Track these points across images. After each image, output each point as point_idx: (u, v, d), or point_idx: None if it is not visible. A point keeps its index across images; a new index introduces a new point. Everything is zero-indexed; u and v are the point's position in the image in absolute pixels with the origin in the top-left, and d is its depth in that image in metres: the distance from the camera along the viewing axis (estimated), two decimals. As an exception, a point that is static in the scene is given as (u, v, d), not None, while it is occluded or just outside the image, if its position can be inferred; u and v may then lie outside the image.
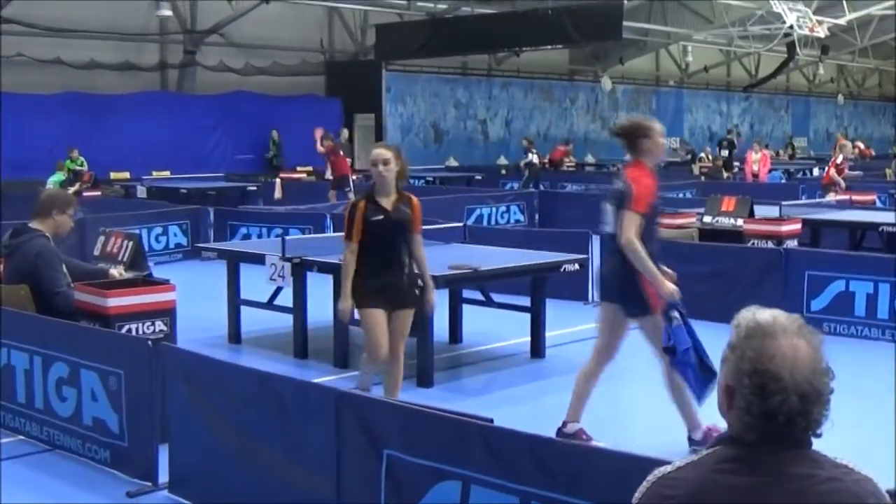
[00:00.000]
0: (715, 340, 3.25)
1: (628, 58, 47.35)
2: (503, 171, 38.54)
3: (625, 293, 9.40)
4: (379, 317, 9.41)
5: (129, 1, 31.81)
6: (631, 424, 10.87)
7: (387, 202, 9.46)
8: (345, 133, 32.37)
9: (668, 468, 3.33)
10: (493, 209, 25.83)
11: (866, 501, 3.20)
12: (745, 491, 3.16)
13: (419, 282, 9.88)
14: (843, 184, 26.71)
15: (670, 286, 9.13)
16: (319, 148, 27.92)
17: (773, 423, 3.16)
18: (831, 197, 23.86)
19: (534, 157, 34.80)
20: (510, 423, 6.14)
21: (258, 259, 13.61)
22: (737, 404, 3.23)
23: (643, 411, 11.14)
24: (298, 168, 33.39)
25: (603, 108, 49.19)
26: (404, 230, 9.58)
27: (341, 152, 28.29)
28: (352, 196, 25.30)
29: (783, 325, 3.25)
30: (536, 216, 26.69)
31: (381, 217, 9.38)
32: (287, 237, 14.96)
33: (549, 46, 40.09)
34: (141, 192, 28.64)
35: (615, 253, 9.32)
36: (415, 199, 9.85)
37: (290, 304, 13.37)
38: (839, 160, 27.09)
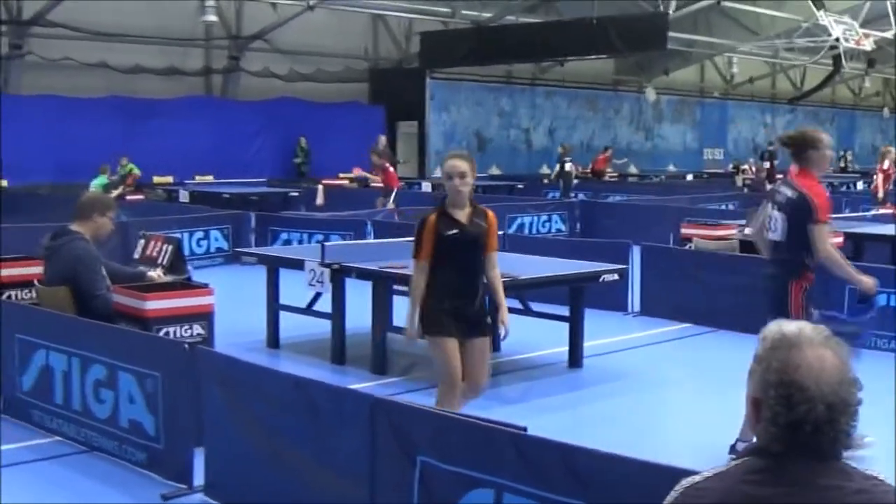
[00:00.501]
0: (749, 354, 3.23)
1: (673, 68, 47.23)
2: (546, 181, 38.47)
3: (777, 300, 9.42)
4: (452, 346, 8.70)
5: (175, 4, 31.90)
6: (669, 434, 10.82)
7: (461, 215, 8.67)
8: (382, 140, 32.40)
9: (696, 478, 3.31)
10: (535, 218, 25.81)
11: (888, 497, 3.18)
12: (772, 502, 3.14)
13: (490, 304, 9.17)
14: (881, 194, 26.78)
15: (870, 281, 9.59)
16: (374, 177, 27.63)
17: (799, 434, 3.13)
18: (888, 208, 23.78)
19: (567, 166, 34.76)
20: (545, 432, 6.12)
21: (298, 265, 13.65)
22: (763, 416, 3.20)
23: (681, 421, 11.10)
24: (341, 175, 33.41)
25: (647, 118, 49.10)
26: (479, 247, 8.82)
27: (388, 166, 28.21)
28: (390, 205, 25.35)
29: (809, 336, 3.23)
30: (578, 225, 26.64)
31: (455, 232, 8.59)
32: (327, 243, 14.98)
33: (594, 56, 40.09)
34: (183, 196, 28.73)
35: (779, 261, 9.54)
36: (490, 212, 8.94)
37: (328, 309, 13.37)
38: (885, 165, 27.03)
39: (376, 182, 27.13)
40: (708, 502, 3.22)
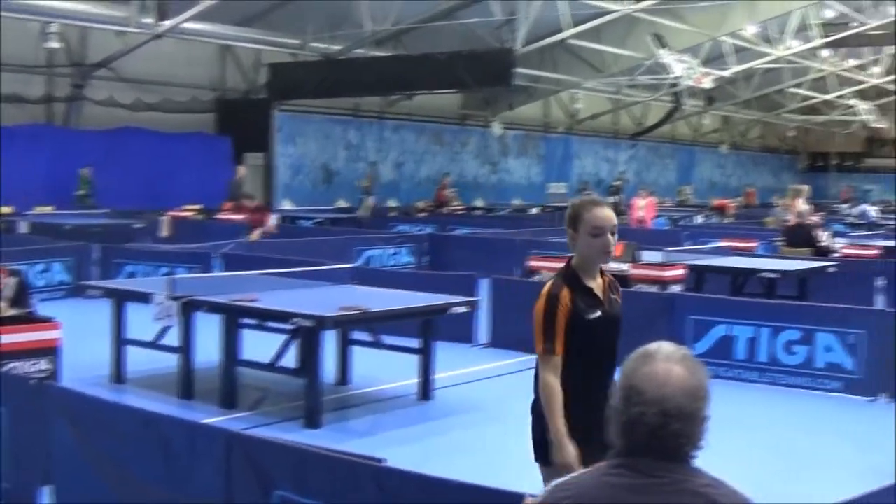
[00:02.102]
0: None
1: (518, 104, 47.56)
2: (393, 214, 38.52)
3: None
4: None
5: (17, 30, 31.10)
6: (520, 464, 10.86)
7: (598, 288, 6.21)
8: (241, 170, 32.26)
9: (566, 478, 3.63)
10: (383, 251, 25.81)
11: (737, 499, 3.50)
12: (626, 491, 3.41)
13: None
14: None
15: None
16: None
17: (634, 433, 3.42)
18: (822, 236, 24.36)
19: (370, 200, 35.06)
20: (400, 464, 6.14)
21: (144, 298, 13.39)
22: (609, 414, 3.53)
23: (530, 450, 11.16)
24: (186, 206, 33.01)
25: (493, 152, 49.38)
26: (618, 334, 6.30)
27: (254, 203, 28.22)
28: (263, 230, 25.24)
29: (666, 352, 3.55)
30: (426, 258, 26.67)
31: (598, 315, 6.09)
32: (175, 276, 14.81)
33: (442, 91, 40.30)
34: (23, 227, 28.07)
35: None
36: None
37: (176, 343, 13.16)
38: (798, 203, 27.89)
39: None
40: (573, 492, 3.49)
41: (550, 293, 6.09)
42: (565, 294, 6.04)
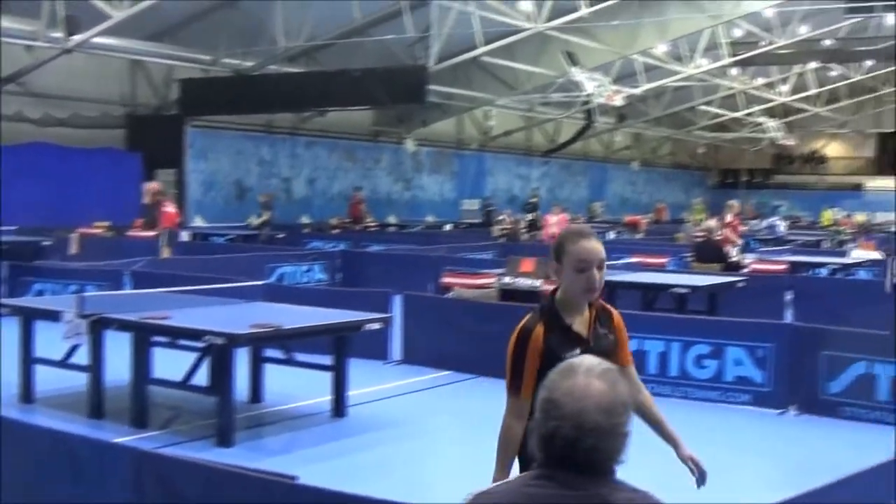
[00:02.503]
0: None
1: (432, 120, 47.69)
2: (306, 230, 38.46)
3: None
4: None
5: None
6: (435, 480, 10.87)
7: (580, 324, 5.70)
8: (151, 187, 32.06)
9: (488, 487, 3.68)
10: (296, 268, 25.72)
11: None
12: (546, 503, 3.41)
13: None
14: (739, 241, 28.27)
15: None
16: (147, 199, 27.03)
17: (552, 446, 3.43)
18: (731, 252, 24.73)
19: (266, 216, 35.01)
20: (314, 481, 6.13)
21: (53, 316, 13.23)
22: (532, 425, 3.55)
23: (445, 466, 11.17)
24: (96, 223, 32.68)
25: (406, 169, 49.46)
26: None
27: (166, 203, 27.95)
28: (165, 253, 24.97)
29: (588, 366, 3.56)
30: (339, 275, 26.63)
31: (576, 353, 5.15)
32: (84, 294, 14.70)
33: (355, 108, 40.34)
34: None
35: None
36: (615, 312, 6.02)
37: (86, 362, 13.00)
38: (729, 218, 28.32)
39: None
40: (494, 502, 3.52)
41: (524, 328, 5.64)
42: (539, 331, 5.59)
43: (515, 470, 5.09)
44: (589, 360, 3.62)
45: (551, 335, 5.54)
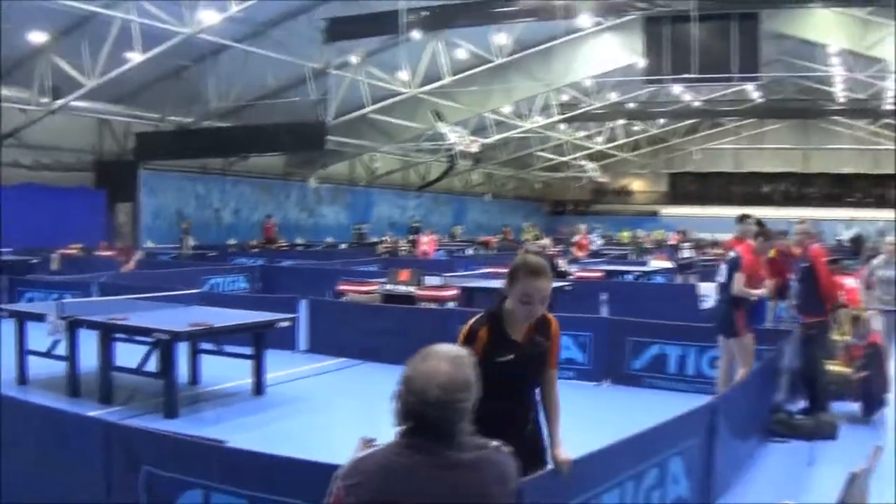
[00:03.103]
0: (393, 380, 3.48)
1: (330, 163, 47.57)
2: (232, 250, 38.14)
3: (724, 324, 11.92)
4: None
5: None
6: (337, 443, 10.92)
7: (519, 332, 5.39)
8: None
9: (363, 453, 3.58)
10: (224, 278, 25.54)
11: (494, 462, 3.59)
12: (415, 466, 3.42)
13: (543, 438, 5.62)
14: (582, 255, 28.85)
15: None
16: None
17: (408, 419, 3.45)
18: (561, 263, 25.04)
19: (189, 240, 34.92)
20: (238, 444, 6.20)
21: (40, 318, 13.21)
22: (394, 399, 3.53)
23: (345, 433, 11.22)
24: (71, 245, 32.15)
25: (310, 201, 49.22)
26: (538, 370, 5.56)
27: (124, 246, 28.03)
28: (130, 265, 24.80)
29: (439, 351, 3.55)
30: (258, 284, 26.50)
31: (509, 358, 5.30)
32: (63, 300, 14.60)
33: (270, 153, 40.17)
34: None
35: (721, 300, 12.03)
36: (554, 321, 5.59)
37: (65, 353, 12.95)
38: (576, 238, 28.72)
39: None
40: (370, 466, 3.46)
41: (472, 327, 5.37)
42: (483, 334, 5.32)
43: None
44: (444, 347, 3.59)
45: (492, 339, 5.30)
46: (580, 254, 32.60)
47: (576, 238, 34.72)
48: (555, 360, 5.59)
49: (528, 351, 5.37)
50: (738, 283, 11.69)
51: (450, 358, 3.53)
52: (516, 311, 5.31)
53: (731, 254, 12.15)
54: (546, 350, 5.49)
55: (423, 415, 3.42)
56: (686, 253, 29.57)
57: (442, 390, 3.42)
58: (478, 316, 5.46)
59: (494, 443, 3.66)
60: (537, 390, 5.63)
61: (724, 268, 12.08)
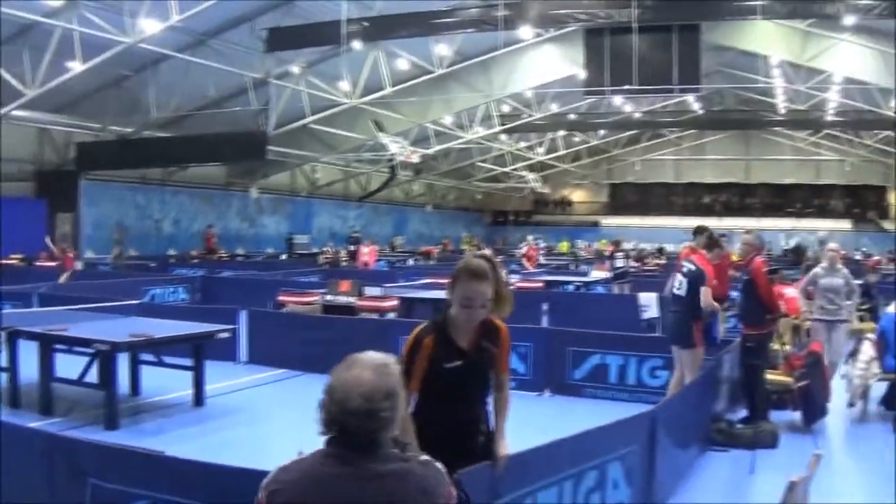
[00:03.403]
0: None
1: (271, 173, 47.41)
2: (172, 260, 37.90)
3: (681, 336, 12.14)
4: None
5: None
6: (276, 452, 10.89)
7: (466, 339, 5.37)
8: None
9: (288, 462, 3.55)
10: (165, 289, 25.39)
11: (416, 474, 3.49)
12: (335, 477, 3.39)
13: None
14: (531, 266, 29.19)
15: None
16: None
17: (333, 428, 3.42)
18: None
19: (119, 249, 34.78)
20: (178, 454, 6.21)
21: (-22, 330, 13.06)
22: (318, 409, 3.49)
23: (284, 442, 11.19)
24: (11, 255, 31.82)
25: (251, 211, 49.05)
26: (486, 375, 5.55)
27: (68, 251, 27.76)
28: (64, 279, 24.59)
29: (364, 360, 3.50)
30: (198, 295, 26.36)
31: (457, 364, 5.30)
32: (2, 311, 14.48)
33: (211, 164, 39.98)
34: None
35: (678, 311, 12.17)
36: (503, 327, 5.59)
37: (4, 365, 12.88)
38: (524, 250, 28.84)
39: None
40: (294, 476, 3.45)
41: (417, 337, 5.32)
42: (428, 341, 5.28)
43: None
44: (369, 355, 3.52)
45: (438, 347, 5.27)
46: (529, 265, 32.85)
47: (524, 249, 34.93)
48: (505, 365, 5.59)
49: (476, 357, 5.37)
50: (706, 297, 11.89)
51: (374, 366, 3.48)
52: (458, 317, 5.30)
53: (692, 267, 12.22)
54: (494, 356, 5.48)
55: (345, 424, 3.39)
56: (620, 263, 29.81)
57: (364, 399, 3.38)
58: (423, 325, 5.44)
59: (423, 456, 3.63)
60: (490, 401, 5.63)
61: (683, 280, 12.18)
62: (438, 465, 3.65)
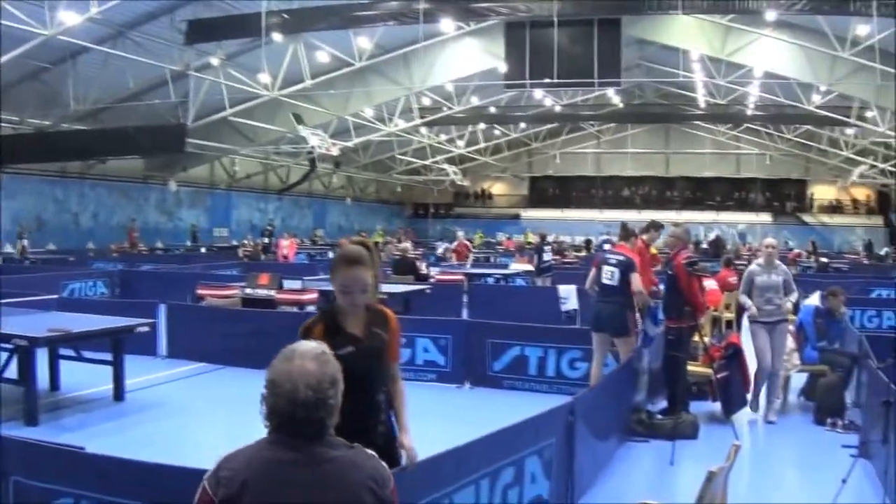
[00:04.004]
0: (253, 384, 3.58)
1: (190, 166, 47.08)
2: (91, 254, 37.45)
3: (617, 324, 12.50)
4: None
5: None
6: (200, 447, 10.89)
7: (356, 326, 5.41)
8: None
9: (232, 451, 3.60)
10: (84, 283, 25.06)
11: (366, 463, 3.63)
12: (284, 461, 3.47)
13: (397, 441, 5.60)
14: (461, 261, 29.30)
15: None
16: None
17: (276, 416, 3.50)
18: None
19: (23, 242, 34.49)
20: (98, 450, 6.19)
21: None
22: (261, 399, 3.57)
23: (208, 437, 11.20)
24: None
25: (170, 204, 48.65)
26: (382, 363, 5.52)
27: None
28: None
29: (303, 351, 3.58)
30: (118, 289, 26.09)
31: (349, 350, 5.17)
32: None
33: (129, 156, 39.56)
34: None
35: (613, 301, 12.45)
36: (391, 314, 5.67)
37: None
38: (455, 245, 28.79)
39: None
40: (239, 464, 3.50)
41: (306, 327, 5.36)
42: (318, 329, 5.29)
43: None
44: (306, 346, 3.61)
45: (329, 335, 5.17)
46: (460, 261, 32.97)
47: (454, 244, 34.93)
48: (395, 353, 5.62)
49: (368, 344, 5.38)
50: (637, 283, 12.32)
51: (314, 356, 3.58)
52: (341, 303, 5.36)
53: (620, 257, 12.59)
54: (386, 343, 5.49)
55: (292, 414, 3.47)
56: (547, 256, 29.92)
57: (312, 390, 3.48)
58: (313, 316, 5.52)
59: (368, 450, 3.75)
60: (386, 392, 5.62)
61: (615, 270, 12.42)
62: (372, 453, 3.75)
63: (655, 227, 14.80)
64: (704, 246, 45.78)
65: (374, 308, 5.50)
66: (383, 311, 5.58)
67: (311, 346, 3.63)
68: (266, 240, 44.92)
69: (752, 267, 12.98)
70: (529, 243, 39.98)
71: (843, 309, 14.15)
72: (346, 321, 5.39)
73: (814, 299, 14.10)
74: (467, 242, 37.84)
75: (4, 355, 12.04)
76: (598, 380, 12.17)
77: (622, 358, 12.32)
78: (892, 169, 53.26)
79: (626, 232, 13.41)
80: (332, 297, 5.54)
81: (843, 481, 7.83)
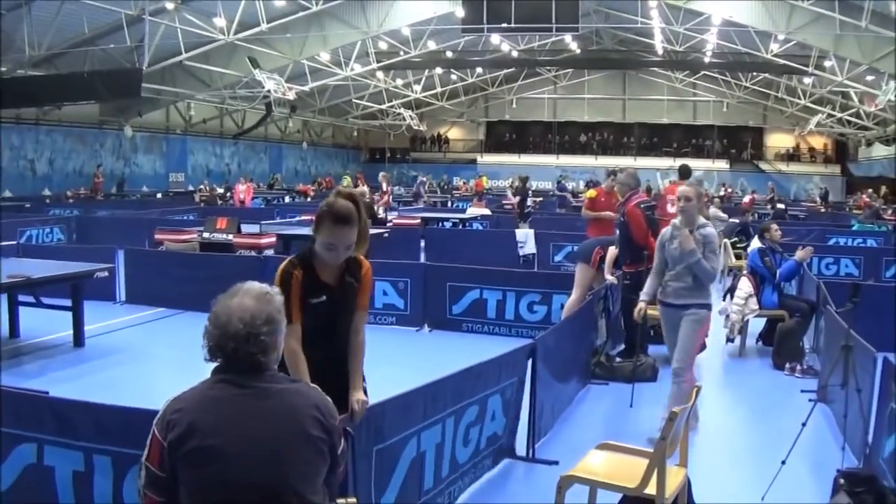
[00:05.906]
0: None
1: (146, 111, 46.53)
2: (47, 200, 37.12)
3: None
4: None
5: None
6: (158, 390, 10.86)
7: (329, 275, 5.36)
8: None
9: (182, 392, 3.67)
10: (41, 230, 24.85)
11: (310, 394, 3.74)
12: (229, 397, 3.56)
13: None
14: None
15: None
16: None
17: (220, 352, 3.59)
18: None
19: None
20: (61, 395, 6.18)
21: None
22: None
23: (165, 381, 11.18)
24: None
25: (126, 150, 48.12)
26: (351, 310, 5.47)
27: None
28: None
29: (247, 289, 3.70)
30: (75, 235, 25.88)
31: (322, 300, 5.30)
32: None
33: (84, 101, 39.04)
34: None
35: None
36: (366, 263, 5.56)
37: None
38: (385, 188, 28.69)
39: None
40: (186, 404, 3.57)
41: (284, 272, 5.28)
42: (297, 273, 5.26)
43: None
44: (251, 284, 3.73)
45: (306, 279, 5.26)
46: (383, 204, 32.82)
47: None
48: (364, 301, 5.52)
49: (341, 293, 5.37)
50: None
51: (256, 294, 3.67)
52: (322, 257, 5.31)
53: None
54: (355, 290, 5.45)
55: (226, 348, 3.55)
56: (529, 202, 29.54)
57: (244, 324, 3.55)
58: (289, 258, 5.44)
59: (299, 382, 3.90)
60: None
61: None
62: (315, 387, 3.88)
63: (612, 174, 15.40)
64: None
65: (351, 256, 5.41)
66: (359, 259, 5.50)
67: (256, 285, 3.73)
68: (222, 189, 44.79)
69: (666, 229, 9.60)
70: (513, 186, 39.83)
71: (778, 235, 14.39)
72: (322, 270, 5.35)
73: (755, 242, 14.27)
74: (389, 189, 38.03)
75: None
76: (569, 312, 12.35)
77: (575, 286, 13.11)
78: (850, 118, 53.68)
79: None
80: (309, 243, 5.44)
81: (803, 425, 7.92)
